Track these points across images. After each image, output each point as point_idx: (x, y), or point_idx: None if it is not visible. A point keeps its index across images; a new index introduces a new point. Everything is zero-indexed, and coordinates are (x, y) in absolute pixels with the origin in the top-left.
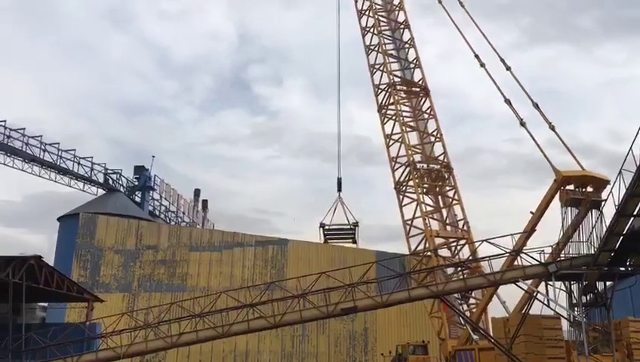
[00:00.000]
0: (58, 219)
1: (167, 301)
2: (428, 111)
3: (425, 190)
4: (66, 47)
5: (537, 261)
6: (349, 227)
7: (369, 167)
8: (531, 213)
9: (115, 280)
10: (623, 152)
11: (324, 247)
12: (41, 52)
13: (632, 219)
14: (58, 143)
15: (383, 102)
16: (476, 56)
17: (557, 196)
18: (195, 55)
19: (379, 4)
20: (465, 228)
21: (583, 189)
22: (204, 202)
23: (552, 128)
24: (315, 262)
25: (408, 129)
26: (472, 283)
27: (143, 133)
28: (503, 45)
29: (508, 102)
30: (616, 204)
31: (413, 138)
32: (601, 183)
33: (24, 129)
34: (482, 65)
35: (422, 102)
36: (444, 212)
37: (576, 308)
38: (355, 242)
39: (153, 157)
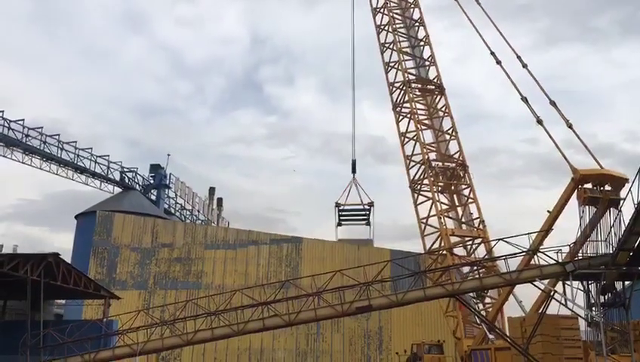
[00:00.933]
0: (75, 217)
1: (183, 298)
2: (443, 109)
3: (440, 188)
4: (83, 51)
5: (555, 260)
6: (363, 207)
7: (384, 166)
8: (548, 211)
9: (131, 278)
10: (639, 152)
11: (339, 246)
12: (58, 56)
13: None
14: (75, 142)
15: (398, 100)
16: (492, 53)
17: (574, 195)
18: (208, 57)
19: (394, 2)
20: (481, 226)
21: (601, 188)
22: (219, 200)
23: (570, 126)
24: (330, 260)
25: (423, 127)
26: (488, 282)
27: (158, 133)
28: (519, 46)
29: (524, 99)
30: (636, 202)
31: (428, 136)
32: (619, 182)
33: (42, 128)
34: (498, 62)
35: (437, 100)
36: (460, 210)
37: (594, 308)
38: (368, 223)
39: (169, 155)
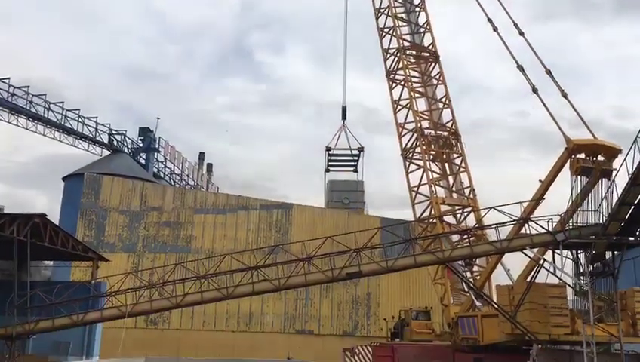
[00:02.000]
0: (63, 179)
1: (172, 262)
2: (437, 76)
3: (432, 157)
4: (70, 13)
5: (545, 229)
6: (352, 153)
7: (376, 136)
8: (540, 181)
9: (119, 241)
10: (627, 127)
11: (329, 212)
12: (45, 18)
13: None
14: (62, 102)
15: (392, 67)
16: (489, 20)
17: (567, 165)
18: (197, 21)
19: None
20: (471, 195)
21: (594, 158)
22: (209, 166)
23: (565, 95)
24: (320, 227)
25: (417, 95)
26: (478, 250)
27: (147, 98)
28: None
29: (520, 68)
30: (630, 173)
31: (421, 104)
32: (612, 152)
33: (28, 87)
34: (495, 29)
35: (431, 68)
36: (451, 179)
37: (582, 277)
38: (356, 170)
39: (158, 118)
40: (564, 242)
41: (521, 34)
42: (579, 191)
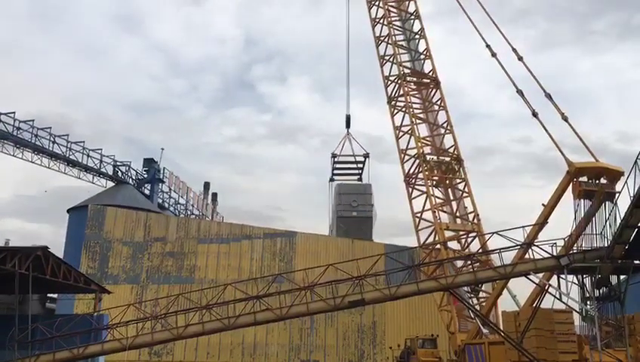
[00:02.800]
0: (68, 211)
1: (175, 293)
2: (438, 102)
3: (435, 182)
4: (78, 49)
5: (549, 254)
6: (357, 160)
7: (381, 165)
8: (543, 205)
9: (123, 272)
10: (632, 151)
11: (333, 240)
12: (54, 54)
13: None
14: (67, 135)
15: (393, 93)
16: (487, 45)
17: (569, 189)
18: (202, 57)
19: None
20: (475, 220)
21: (597, 181)
22: (214, 195)
23: (565, 119)
24: (324, 254)
25: (418, 121)
26: (482, 276)
27: (152, 131)
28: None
29: (520, 92)
30: (632, 195)
31: (423, 130)
32: (614, 175)
33: (33, 121)
34: (494, 54)
35: (432, 94)
36: (454, 204)
37: (589, 302)
38: (360, 179)
39: (162, 149)
40: (568, 266)
41: (520, 58)
42: (582, 214)
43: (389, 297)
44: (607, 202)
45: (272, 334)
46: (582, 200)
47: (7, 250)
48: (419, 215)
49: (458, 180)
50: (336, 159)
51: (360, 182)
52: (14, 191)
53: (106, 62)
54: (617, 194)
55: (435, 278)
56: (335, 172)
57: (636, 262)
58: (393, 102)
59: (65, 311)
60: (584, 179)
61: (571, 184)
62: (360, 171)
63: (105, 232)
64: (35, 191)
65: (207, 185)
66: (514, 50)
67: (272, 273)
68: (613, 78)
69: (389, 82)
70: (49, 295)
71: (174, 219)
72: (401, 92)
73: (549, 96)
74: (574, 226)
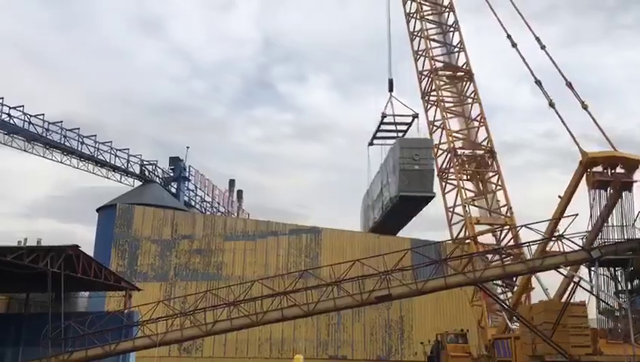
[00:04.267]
0: (97, 211)
1: (203, 290)
2: (472, 95)
3: (468, 176)
4: (101, 54)
5: (580, 246)
6: (406, 120)
7: None
8: (559, 197)
9: (152, 270)
10: None
11: (359, 235)
12: (79, 58)
13: None
14: (95, 135)
15: (426, 88)
16: (508, 36)
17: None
18: (222, 59)
19: None
20: (508, 214)
21: (612, 170)
22: (239, 192)
23: (585, 108)
24: (350, 250)
25: (450, 115)
26: (510, 270)
27: (176, 132)
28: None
29: (538, 83)
30: None
31: (456, 124)
32: (632, 163)
33: (62, 122)
34: (514, 45)
35: (466, 87)
36: (488, 198)
37: (621, 295)
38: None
39: (188, 148)
40: (599, 259)
41: (543, 47)
42: (600, 205)
43: (416, 292)
44: (625, 192)
45: (299, 330)
46: (597, 190)
47: (39, 249)
48: (451, 209)
49: (491, 173)
50: (385, 119)
51: (420, 137)
52: (46, 192)
53: (129, 65)
54: (634, 184)
55: (462, 273)
56: (378, 135)
57: None
58: (426, 97)
59: (96, 308)
60: (599, 169)
61: (585, 175)
62: (407, 128)
63: (133, 231)
64: (66, 191)
65: (232, 183)
66: (537, 38)
67: (298, 269)
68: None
69: (423, 77)
70: (80, 293)
71: (201, 217)
72: (433, 86)
73: (569, 85)
74: (591, 218)
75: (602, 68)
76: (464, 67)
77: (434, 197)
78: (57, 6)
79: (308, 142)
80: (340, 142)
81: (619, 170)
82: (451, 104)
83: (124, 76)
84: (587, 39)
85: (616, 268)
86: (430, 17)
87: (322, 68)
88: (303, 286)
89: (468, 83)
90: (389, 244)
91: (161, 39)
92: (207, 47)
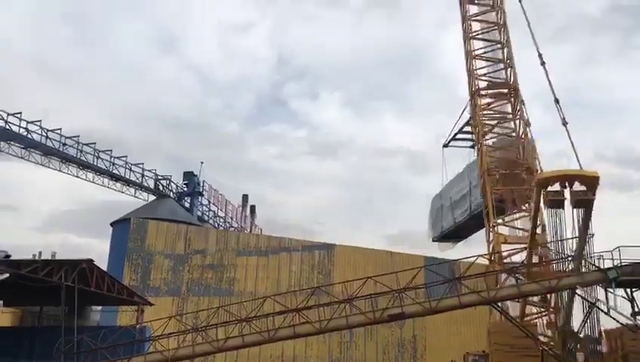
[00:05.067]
0: (111, 225)
1: (215, 305)
2: (515, 112)
3: (500, 195)
4: (117, 71)
5: (597, 267)
6: None
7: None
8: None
9: (164, 284)
10: None
11: (372, 252)
12: (95, 75)
13: None
14: (111, 150)
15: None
16: (540, 55)
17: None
18: (236, 77)
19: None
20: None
21: (570, 189)
22: (252, 208)
23: (565, 124)
24: (362, 267)
25: (492, 135)
26: (526, 289)
27: (191, 148)
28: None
29: (556, 101)
30: None
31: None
32: (590, 180)
33: (78, 136)
34: (543, 63)
35: (512, 103)
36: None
37: (638, 317)
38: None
39: (202, 163)
40: (616, 280)
41: (542, 64)
42: (559, 224)
43: (429, 311)
44: (583, 209)
45: (311, 347)
46: (552, 209)
47: (53, 262)
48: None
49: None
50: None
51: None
52: (61, 205)
53: (146, 81)
54: (592, 201)
55: (477, 292)
56: (457, 136)
57: None
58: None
59: (108, 322)
60: (557, 188)
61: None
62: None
63: (147, 245)
64: (81, 205)
65: (245, 198)
66: (540, 55)
67: (311, 285)
68: None
69: (470, 98)
70: (93, 307)
71: (214, 232)
72: (476, 108)
73: (556, 101)
74: (550, 236)
75: (616, 86)
76: (510, 83)
77: None
78: (77, 23)
79: (324, 159)
80: (354, 159)
81: (578, 187)
82: (489, 121)
83: (141, 92)
84: (601, 60)
85: (634, 290)
86: (481, 36)
87: (335, 85)
88: (315, 303)
89: (513, 99)
90: (402, 261)
91: (178, 56)
92: (223, 65)
